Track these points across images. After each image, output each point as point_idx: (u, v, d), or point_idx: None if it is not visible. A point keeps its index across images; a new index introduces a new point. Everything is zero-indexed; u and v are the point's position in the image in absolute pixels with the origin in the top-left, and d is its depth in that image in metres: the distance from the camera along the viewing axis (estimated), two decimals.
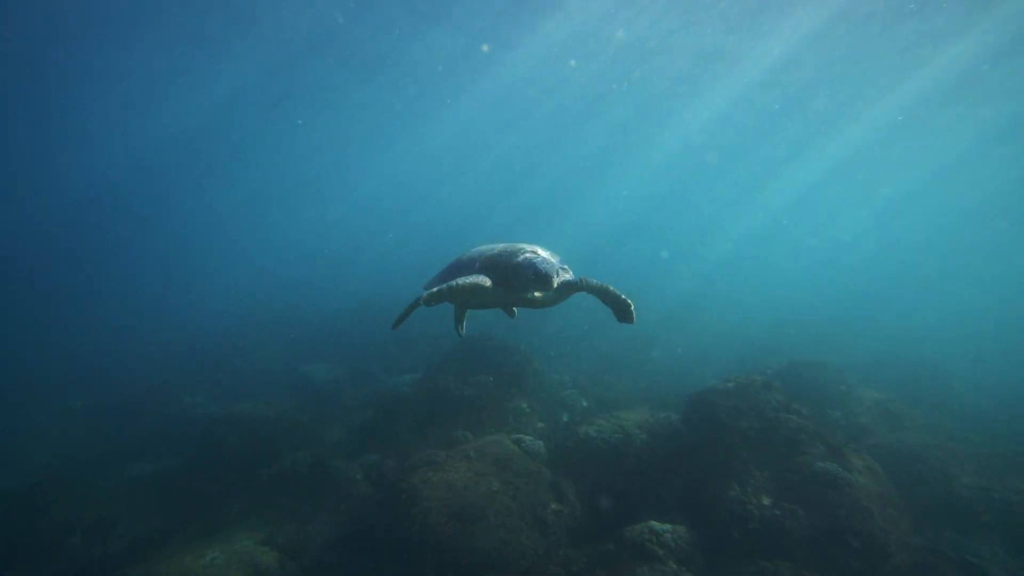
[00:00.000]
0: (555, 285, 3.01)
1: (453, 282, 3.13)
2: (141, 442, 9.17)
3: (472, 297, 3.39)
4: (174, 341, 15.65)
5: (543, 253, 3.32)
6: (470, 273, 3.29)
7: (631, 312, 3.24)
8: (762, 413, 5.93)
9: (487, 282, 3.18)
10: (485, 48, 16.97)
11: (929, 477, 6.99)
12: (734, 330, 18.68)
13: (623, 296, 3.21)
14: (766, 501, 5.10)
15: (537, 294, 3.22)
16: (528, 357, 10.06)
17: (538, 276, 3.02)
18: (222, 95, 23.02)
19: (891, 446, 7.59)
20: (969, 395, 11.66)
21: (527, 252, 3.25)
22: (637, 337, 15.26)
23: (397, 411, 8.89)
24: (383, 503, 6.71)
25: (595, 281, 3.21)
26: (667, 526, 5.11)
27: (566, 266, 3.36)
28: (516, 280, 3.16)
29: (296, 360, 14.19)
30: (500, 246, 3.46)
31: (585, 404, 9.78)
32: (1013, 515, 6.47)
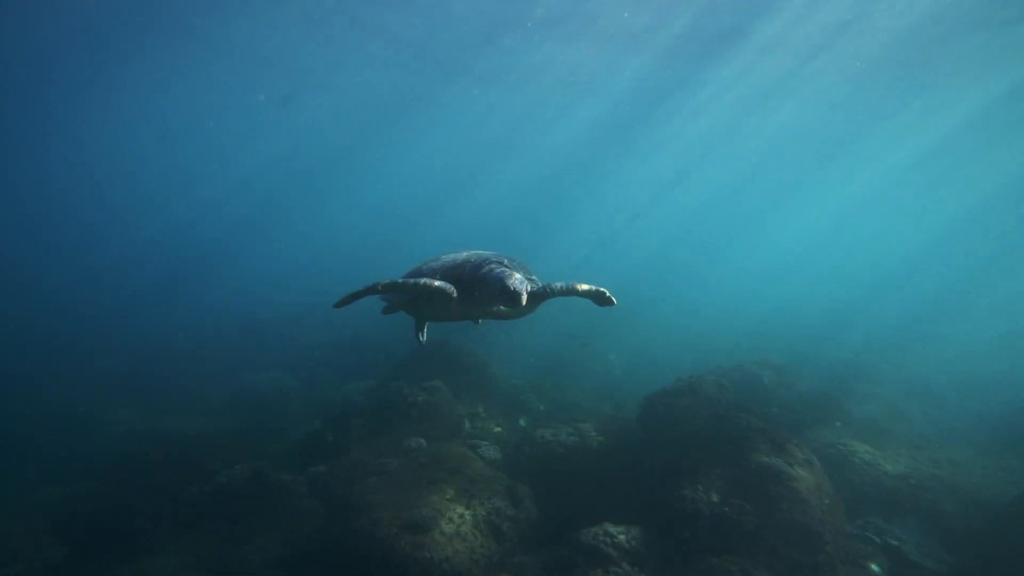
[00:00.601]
0: (524, 303, 2.76)
1: (420, 280, 2.88)
2: (49, 466, 8.19)
3: (433, 306, 3.14)
4: (92, 353, 14.14)
5: (510, 264, 3.07)
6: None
7: (608, 297, 3.12)
8: (714, 412, 6.11)
9: (453, 292, 2.92)
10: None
11: (859, 467, 7.47)
12: (685, 331, 19.39)
13: (593, 287, 3.08)
14: (716, 498, 5.23)
15: (503, 308, 2.98)
16: (484, 361, 9.94)
17: (505, 292, 2.76)
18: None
19: (826, 438, 8.06)
20: (895, 389, 12.66)
21: (492, 263, 3.01)
22: (594, 339, 15.48)
23: (347, 420, 8.50)
24: (330, 516, 6.37)
25: (559, 285, 3.04)
26: (621, 527, 5.13)
27: (534, 276, 3.15)
28: (481, 293, 2.93)
29: (240, 369, 13.31)
30: (464, 255, 3.22)
31: (542, 407, 9.75)
32: (926, 500, 7.03)
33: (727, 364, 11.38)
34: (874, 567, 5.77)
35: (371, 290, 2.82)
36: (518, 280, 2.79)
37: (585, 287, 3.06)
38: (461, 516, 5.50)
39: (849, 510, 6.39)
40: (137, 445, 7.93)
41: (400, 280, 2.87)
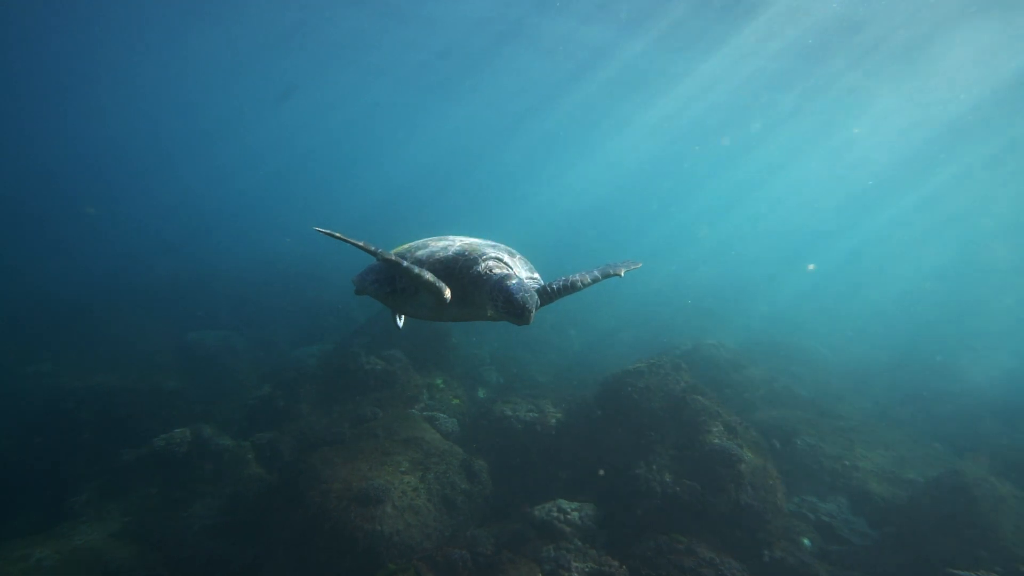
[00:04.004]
0: (531, 320, 2.21)
1: (425, 274, 2.33)
2: None
3: (415, 303, 2.59)
4: (7, 298, 12.78)
5: (511, 262, 2.53)
6: None
7: (621, 273, 2.68)
8: (671, 394, 6.18)
9: (448, 297, 2.40)
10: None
11: (801, 448, 7.88)
12: (644, 310, 19.76)
13: (598, 275, 2.60)
14: (668, 478, 5.33)
15: (491, 312, 2.46)
16: (445, 331, 9.70)
17: (511, 307, 2.20)
18: None
19: (773, 421, 8.42)
20: (836, 373, 13.45)
21: (490, 259, 2.47)
22: (554, 314, 15.51)
23: (300, 385, 8.14)
24: (276, 485, 6.11)
25: (559, 284, 2.55)
26: (575, 504, 5.16)
27: (536, 274, 2.65)
28: (476, 297, 2.42)
29: (185, 326, 12.48)
30: (455, 245, 2.63)
31: (502, 380, 9.69)
32: (857, 479, 7.52)
33: (686, 346, 11.66)
34: (806, 542, 6.13)
35: (367, 250, 2.32)
36: (528, 293, 2.24)
37: (587, 280, 2.57)
38: (415, 489, 5.38)
39: (789, 488, 6.73)
40: (60, 401, 7.27)
41: (405, 264, 2.30)
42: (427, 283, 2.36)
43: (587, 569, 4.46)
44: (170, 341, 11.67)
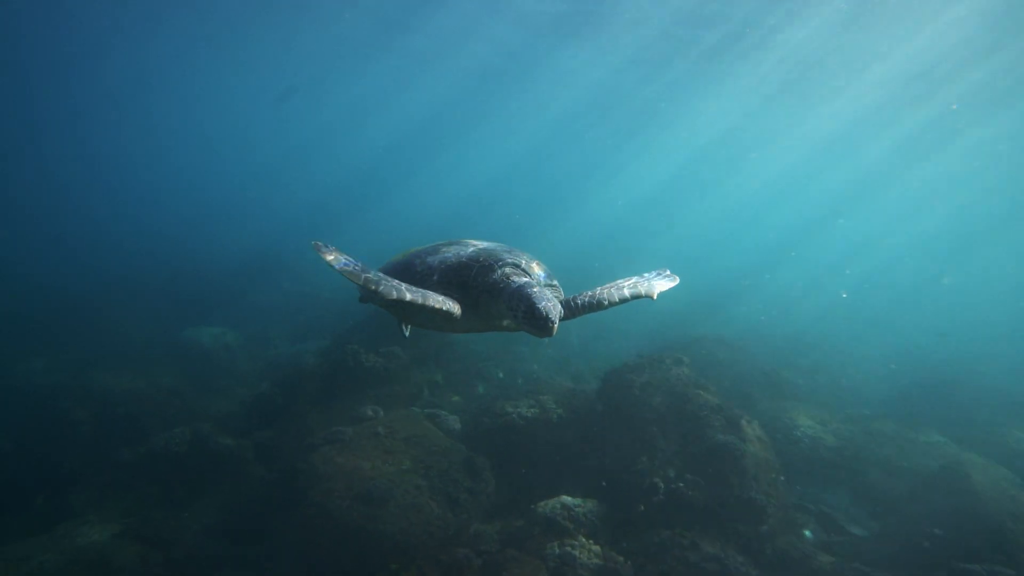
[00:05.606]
0: (554, 332, 2.05)
1: (428, 300, 2.16)
2: None
3: (423, 316, 2.41)
4: (2, 293, 12.57)
5: (527, 267, 2.34)
6: (427, 286, 2.28)
7: (654, 295, 2.44)
8: (672, 389, 6.16)
9: (458, 314, 2.23)
10: None
11: (802, 440, 7.91)
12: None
13: (627, 294, 2.36)
14: (671, 473, 5.32)
15: (506, 322, 2.30)
16: None
17: (533, 318, 2.02)
18: None
19: (774, 412, 8.44)
20: (835, 364, 13.50)
21: (507, 264, 2.30)
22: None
23: (299, 383, 8.08)
24: (277, 485, 6.07)
25: (584, 299, 2.37)
26: (578, 500, 5.15)
27: (555, 281, 2.48)
28: (492, 307, 2.26)
29: (179, 323, 12.37)
30: (469, 251, 2.46)
31: (502, 376, 9.66)
32: (858, 470, 7.56)
33: (686, 339, 11.65)
34: (808, 533, 6.15)
35: (367, 287, 2.11)
36: (551, 302, 2.06)
37: (616, 298, 2.34)
38: (418, 488, 5.35)
39: (791, 480, 6.76)
40: (54, 400, 7.17)
41: (408, 298, 2.11)
42: (433, 309, 2.17)
43: (592, 565, 4.45)
44: (165, 338, 11.57)
